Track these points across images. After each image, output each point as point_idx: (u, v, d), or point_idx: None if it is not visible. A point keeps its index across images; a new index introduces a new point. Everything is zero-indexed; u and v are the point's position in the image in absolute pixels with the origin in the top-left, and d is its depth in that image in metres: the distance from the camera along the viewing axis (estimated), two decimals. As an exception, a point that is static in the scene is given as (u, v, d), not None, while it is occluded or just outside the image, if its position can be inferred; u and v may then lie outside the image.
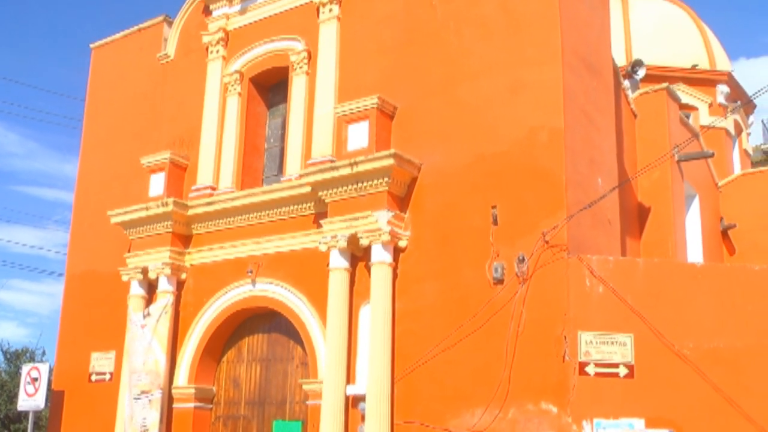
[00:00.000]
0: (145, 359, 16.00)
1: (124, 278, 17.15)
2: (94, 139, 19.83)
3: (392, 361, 13.58)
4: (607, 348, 12.26)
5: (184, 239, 16.91)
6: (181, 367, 16.39)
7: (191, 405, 16.11)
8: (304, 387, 14.73)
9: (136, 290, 17.02)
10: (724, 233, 21.43)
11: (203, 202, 16.64)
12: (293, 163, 15.92)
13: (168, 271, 16.50)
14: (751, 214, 21.19)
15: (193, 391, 16.11)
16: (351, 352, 14.11)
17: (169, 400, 16.19)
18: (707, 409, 12.01)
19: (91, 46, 20.56)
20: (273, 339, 15.90)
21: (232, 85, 17.29)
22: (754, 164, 28.38)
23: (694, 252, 19.06)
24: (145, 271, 16.85)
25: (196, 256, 16.80)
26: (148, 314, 16.31)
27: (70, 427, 17.91)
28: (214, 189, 16.85)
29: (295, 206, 15.48)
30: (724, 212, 21.55)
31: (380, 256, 13.88)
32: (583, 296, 12.45)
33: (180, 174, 17.35)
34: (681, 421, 11.93)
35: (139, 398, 15.88)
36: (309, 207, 15.30)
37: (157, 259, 16.67)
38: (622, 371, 12.19)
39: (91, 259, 18.68)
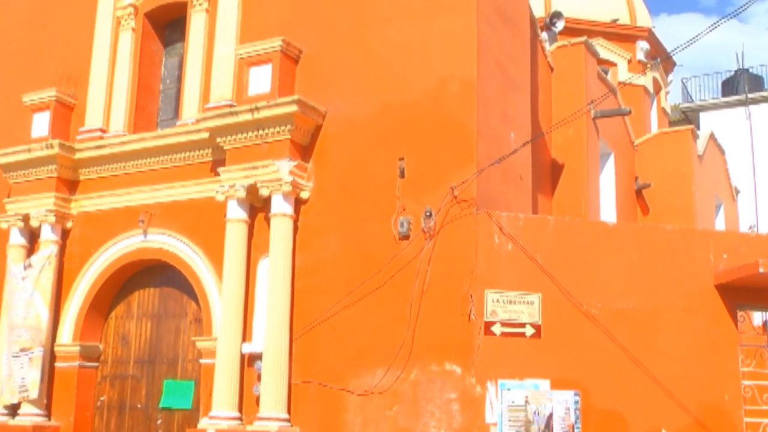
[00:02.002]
0: (26, 314, 15.74)
1: (3, 226, 16.78)
2: (-29, 74, 19.16)
3: (291, 318, 13.67)
4: (514, 307, 12.54)
5: (70, 185, 16.62)
6: (65, 322, 16.17)
7: (75, 364, 15.93)
8: (198, 344, 14.72)
9: (17, 239, 16.68)
10: (639, 193, 21.96)
11: (92, 145, 16.35)
12: (190, 107, 15.75)
13: (52, 218, 16.21)
14: (666, 174, 21.77)
15: (77, 348, 15.94)
16: (248, 309, 14.15)
17: (51, 358, 15.99)
18: (614, 371, 12.43)
19: (-31, -29, 19.73)
20: (165, 293, 15.83)
21: (126, 20, 16.95)
22: (671, 123, 29.20)
23: (608, 211, 19.53)
24: (26, 219, 16.52)
25: (84, 204, 16.53)
26: (30, 265, 16.03)
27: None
28: (104, 132, 16.54)
29: (192, 153, 15.35)
30: (640, 171, 22.07)
31: (281, 207, 13.90)
32: (492, 254, 12.68)
33: (66, 114, 16.97)
34: (587, 382, 12.34)
35: (18, 356, 15.64)
36: (206, 154, 15.20)
37: (40, 206, 16.35)
38: (529, 331, 12.51)
39: (-33, 204, 18.18)
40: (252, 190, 14.14)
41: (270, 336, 13.49)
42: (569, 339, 12.55)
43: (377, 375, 12.91)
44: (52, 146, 16.23)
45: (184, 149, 15.42)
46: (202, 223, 14.98)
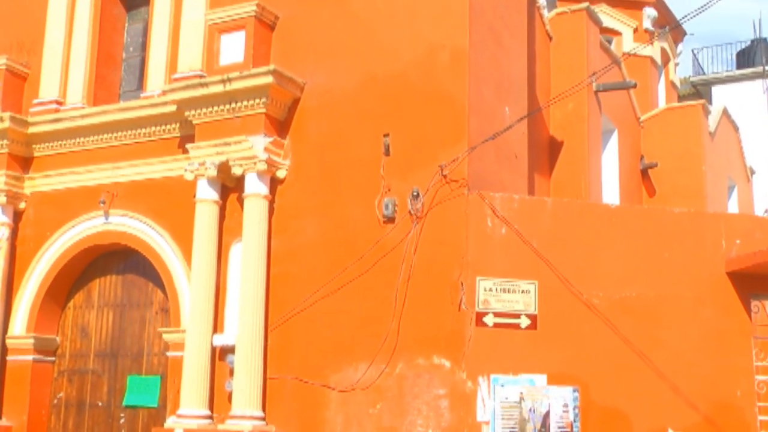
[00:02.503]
0: (-25, 303, 15.72)
1: (-50, 207, 16.65)
2: None
3: (266, 308, 13.76)
4: (508, 296, 12.64)
5: (23, 162, 16.63)
6: (18, 312, 16.21)
7: (29, 357, 15.98)
8: (165, 336, 14.79)
9: (-35, 221, 16.57)
10: (644, 173, 22.00)
11: (47, 118, 16.34)
12: (156, 78, 15.78)
13: (2, 198, 16.21)
14: (674, 152, 21.80)
15: (32, 341, 15.97)
16: (219, 297, 14.23)
17: (2, 351, 16.03)
18: (616, 365, 12.55)
19: None
20: (129, 281, 15.90)
21: (84, -19, 16.86)
22: (681, 98, 29.21)
23: (610, 192, 19.59)
24: (-26, 200, 16.43)
25: (39, 183, 16.54)
26: (-21, 250, 16.00)
27: None
28: (60, 104, 16.53)
29: (158, 127, 15.38)
30: (646, 150, 22.11)
31: (255, 187, 13.97)
32: (484, 238, 12.75)
33: (19, 84, 16.95)
34: (587, 378, 12.47)
35: (-34, 348, 15.62)
36: (174, 129, 15.23)
37: (-12, 185, 16.30)
38: (524, 322, 12.60)
39: None
40: (224, 168, 14.19)
41: (243, 327, 13.56)
42: (568, 331, 12.65)
43: (360, 369, 13.00)
44: (2, 120, 16.19)
45: (149, 124, 15.44)
46: (169, 204, 15.02)
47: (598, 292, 12.81)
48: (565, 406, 12.37)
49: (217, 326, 14.13)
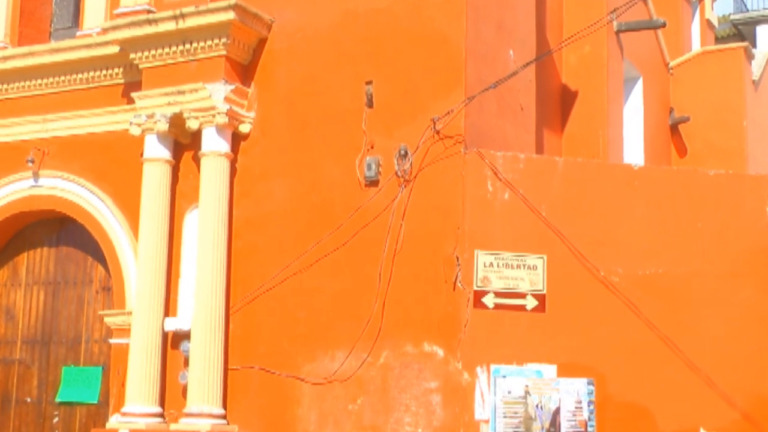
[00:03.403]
0: None
1: None
2: None
3: (227, 287, 13.79)
4: (512, 273, 12.63)
5: (-66, 113, 16.51)
6: (-70, 292, 16.19)
7: (-57, 344, 15.96)
8: (107, 320, 14.82)
9: None
10: (674, 128, 22.00)
11: (-36, 62, 16.23)
12: (94, 13, 15.72)
13: None
14: (710, 104, 21.73)
15: (-54, 325, 15.94)
16: (172, 274, 14.26)
17: None
18: (638, 353, 12.54)
19: None
20: (63, 255, 15.92)
21: None
22: (719, 40, 29.05)
23: (634, 151, 19.57)
24: None
25: (-47, 138, 16.41)
26: None
27: None
28: (-21, 44, 16.41)
29: (97, 72, 15.36)
30: (676, 102, 22.10)
31: (214, 143, 13.95)
32: (484, 205, 12.72)
33: (-73, 21, 16.80)
34: (603, 367, 12.49)
35: None
36: (116, 74, 15.22)
37: None
38: (531, 303, 12.63)
39: None
40: (176, 121, 14.18)
41: (200, 309, 13.58)
42: (582, 313, 12.62)
43: (337, 358, 13.01)
44: None
45: (86, 68, 15.41)
46: (112, 163, 15.01)
47: (617, 268, 12.75)
48: (578, 401, 12.41)
49: (169, 308, 14.14)
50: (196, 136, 14.19)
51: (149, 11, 14.69)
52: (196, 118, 13.99)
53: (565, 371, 12.49)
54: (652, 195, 12.99)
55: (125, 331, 14.26)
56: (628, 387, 12.47)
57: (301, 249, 13.43)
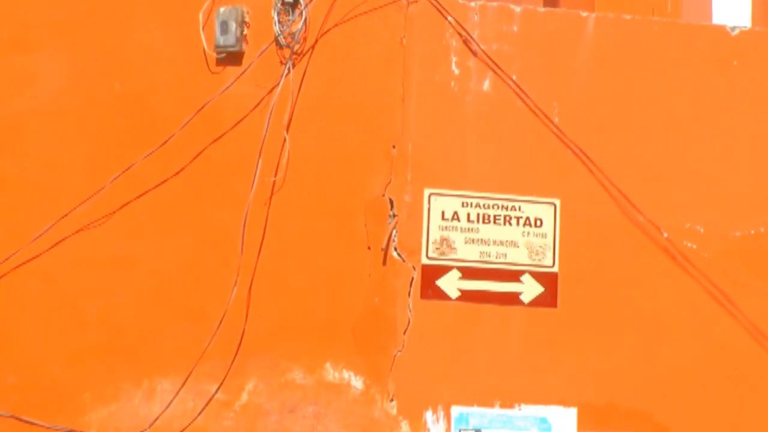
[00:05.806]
0: None
1: None
2: None
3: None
4: (494, 232, 8.45)
5: None
6: None
7: None
8: None
9: None
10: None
11: None
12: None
13: None
14: None
15: None
16: None
17: None
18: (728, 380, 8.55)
19: None
20: None
21: None
22: None
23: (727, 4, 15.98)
24: None
25: None
26: None
27: None
28: None
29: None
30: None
31: None
32: (444, 99, 8.53)
33: None
34: (664, 411, 8.47)
35: None
36: None
37: None
38: (530, 289, 8.45)
39: None
40: None
41: None
42: (624, 311, 8.53)
43: (159, 395, 8.74)
44: None
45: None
46: None
47: (695, 225, 8.42)
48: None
49: None
50: None
51: None
52: None
53: (592, 419, 8.27)
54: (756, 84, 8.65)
55: None
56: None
57: (90, 185, 8.91)
